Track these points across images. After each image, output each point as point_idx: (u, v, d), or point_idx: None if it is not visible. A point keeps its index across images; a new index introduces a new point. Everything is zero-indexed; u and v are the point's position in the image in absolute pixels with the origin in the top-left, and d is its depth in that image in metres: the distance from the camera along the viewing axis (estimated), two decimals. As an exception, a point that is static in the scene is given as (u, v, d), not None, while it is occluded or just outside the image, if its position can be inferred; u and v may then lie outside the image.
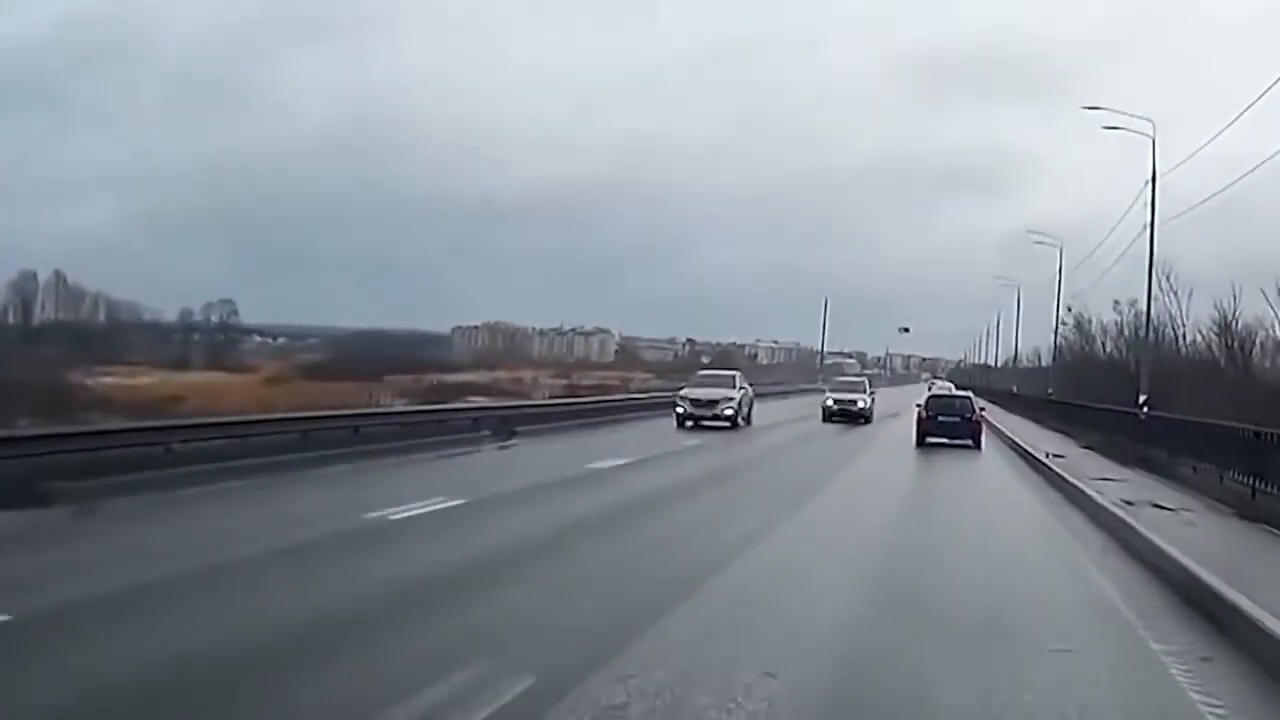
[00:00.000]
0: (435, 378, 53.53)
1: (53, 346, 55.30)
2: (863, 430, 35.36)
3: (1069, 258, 56.44)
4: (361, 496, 14.23)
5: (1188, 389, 36.52)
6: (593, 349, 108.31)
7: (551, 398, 44.32)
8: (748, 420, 33.78)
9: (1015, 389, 67.68)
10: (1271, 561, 11.56)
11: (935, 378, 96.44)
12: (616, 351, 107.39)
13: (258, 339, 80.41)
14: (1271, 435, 15.31)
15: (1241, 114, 31.47)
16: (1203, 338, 46.27)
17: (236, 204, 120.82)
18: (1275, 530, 13.08)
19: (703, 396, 32.94)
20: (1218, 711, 6.00)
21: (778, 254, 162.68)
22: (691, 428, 31.31)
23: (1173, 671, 6.81)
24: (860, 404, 39.45)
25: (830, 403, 39.81)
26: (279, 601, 7.89)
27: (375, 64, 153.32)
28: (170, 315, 73.66)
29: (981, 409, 32.51)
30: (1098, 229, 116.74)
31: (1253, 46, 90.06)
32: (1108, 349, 56.30)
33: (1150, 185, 31.09)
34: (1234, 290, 44.04)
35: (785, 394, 60.75)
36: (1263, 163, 29.49)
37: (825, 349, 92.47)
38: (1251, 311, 43.70)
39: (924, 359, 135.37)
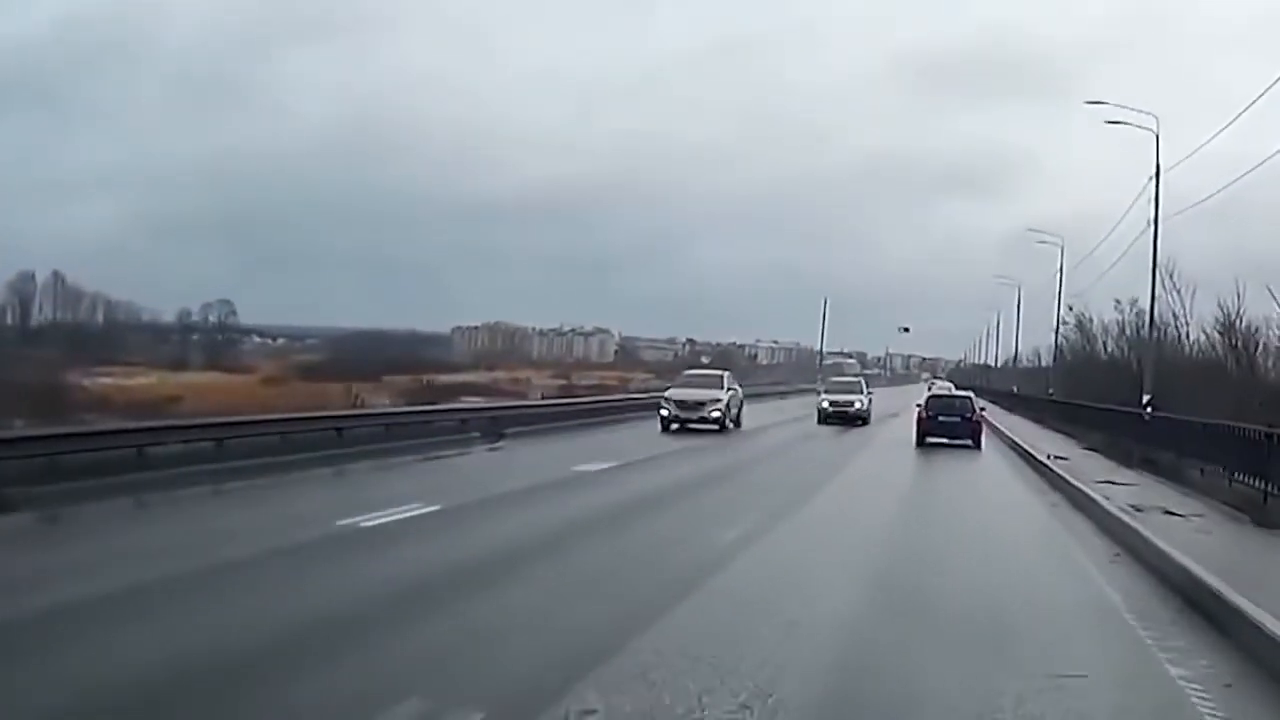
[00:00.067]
0: (428, 377, 52.90)
1: (51, 347, 55.06)
2: (860, 432, 34.68)
3: (1069, 257, 55.75)
4: (335, 502, 13.64)
5: (1191, 389, 35.94)
6: (593, 349, 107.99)
7: (545, 398, 43.77)
8: (737, 422, 32.71)
9: (1016, 389, 67.22)
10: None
11: (935, 378, 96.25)
12: (616, 352, 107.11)
13: (256, 339, 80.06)
14: (1283, 437, 14.70)
15: (1242, 113, 30.99)
16: (1206, 337, 45.67)
17: (236, 204, 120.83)
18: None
19: (689, 398, 31.66)
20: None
21: (778, 254, 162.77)
22: (677, 430, 30.32)
23: (1193, 700, 6.20)
24: (857, 405, 38.60)
25: (826, 404, 38.89)
26: (224, 619, 7.29)
27: (375, 64, 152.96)
28: (169, 316, 73.31)
29: (982, 409, 32.20)
30: (1098, 229, 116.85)
31: (1253, 46, 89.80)
32: (1109, 349, 55.77)
33: (1154, 181, 30.79)
34: (1238, 288, 43.38)
35: (784, 394, 60.81)
36: (1264, 161, 29.06)
37: (825, 349, 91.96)
38: (1256, 309, 43.07)
39: (924, 359, 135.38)
